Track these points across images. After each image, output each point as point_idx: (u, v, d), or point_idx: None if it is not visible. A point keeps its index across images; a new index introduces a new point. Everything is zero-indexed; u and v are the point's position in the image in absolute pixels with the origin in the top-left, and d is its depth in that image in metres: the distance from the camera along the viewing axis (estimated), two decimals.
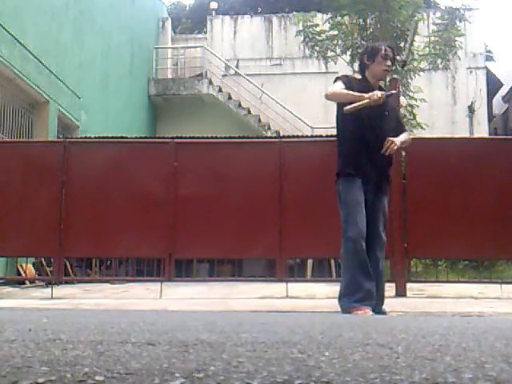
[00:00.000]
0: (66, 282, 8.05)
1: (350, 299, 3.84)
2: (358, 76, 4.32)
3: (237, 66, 16.95)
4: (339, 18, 12.47)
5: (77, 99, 11.42)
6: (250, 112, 15.92)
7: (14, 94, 9.67)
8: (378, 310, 3.95)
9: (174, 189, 6.59)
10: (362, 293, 3.84)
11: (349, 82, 4.10)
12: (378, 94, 3.92)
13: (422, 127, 12.32)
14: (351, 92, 3.97)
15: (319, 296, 6.16)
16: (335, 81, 4.15)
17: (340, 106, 4.07)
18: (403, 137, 4.16)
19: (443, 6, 16.61)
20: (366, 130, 4.02)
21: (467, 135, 15.40)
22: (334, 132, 4.32)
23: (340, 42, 12.51)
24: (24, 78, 9.39)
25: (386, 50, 4.14)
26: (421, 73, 12.79)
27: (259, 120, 15.81)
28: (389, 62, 4.15)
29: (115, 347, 1.76)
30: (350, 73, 14.55)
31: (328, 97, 4.08)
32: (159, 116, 16.79)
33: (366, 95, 3.92)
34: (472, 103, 16.63)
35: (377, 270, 4.00)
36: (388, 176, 4.20)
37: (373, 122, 4.04)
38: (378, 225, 4.06)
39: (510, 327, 2.97)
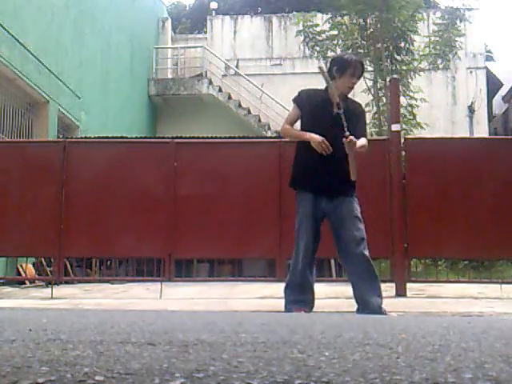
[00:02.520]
0: (66, 282, 8.05)
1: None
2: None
3: (237, 66, 16.95)
4: (339, 18, 12.48)
5: (77, 99, 11.42)
6: (249, 112, 15.92)
7: (14, 94, 9.67)
8: (376, 309, 3.95)
9: (173, 189, 6.59)
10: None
11: (300, 100, 4.16)
12: (320, 142, 3.89)
13: (421, 127, 12.33)
14: (296, 133, 4.11)
15: (319, 296, 6.13)
16: (294, 100, 4.22)
17: (303, 114, 4.13)
18: (362, 141, 4.06)
19: (443, 5, 16.64)
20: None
21: (467, 135, 15.40)
22: None
23: (340, 42, 12.51)
24: (24, 78, 9.39)
25: (355, 68, 4.09)
26: (421, 73, 12.80)
27: (259, 120, 15.81)
28: (355, 80, 4.12)
29: (115, 347, 1.76)
30: None
31: (281, 134, 4.33)
32: (159, 116, 16.79)
33: (309, 138, 3.95)
34: (472, 103, 16.64)
35: (368, 268, 4.01)
36: (347, 180, 4.03)
37: (321, 133, 3.96)
38: (349, 225, 4.01)
39: (510, 327, 2.97)
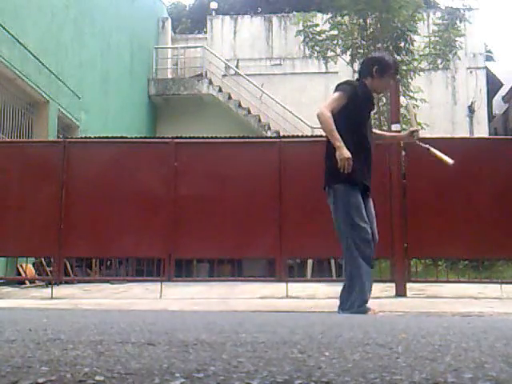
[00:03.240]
0: (66, 282, 8.05)
1: (363, 304, 3.89)
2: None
3: (237, 66, 16.95)
4: (339, 18, 12.48)
5: (77, 99, 11.42)
6: (249, 112, 15.92)
7: (14, 94, 9.67)
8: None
9: (173, 189, 6.59)
10: (367, 297, 3.93)
11: (354, 92, 3.98)
12: (347, 159, 3.81)
13: (422, 127, 12.33)
14: (334, 131, 3.84)
15: (319, 296, 6.16)
16: (339, 88, 4.01)
17: (348, 105, 3.97)
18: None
19: (443, 5, 16.64)
20: (360, 136, 3.98)
21: (467, 135, 15.40)
22: None
23: (340, 42, 12.51)
24: (24, 78, 9.39)
25: (396, 71, 4.18)
26: (421, 73, 12.81)
27: (259, 120, 15.81)
28: (392, 82, 4.19)
29: (115, 347, 1.76)
30: (349, 73, 14.68)
31: (319, 117, 3.91)
32: (159, 116, 16.79)
33: (339, 147, 3.82)
34: (472, 103, 16.63)
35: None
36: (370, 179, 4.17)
37: (363, 127, 4.04)
38: (374, 227, 4.09)
39: (510, 327, 2.97)
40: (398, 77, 10.72)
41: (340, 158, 3.82)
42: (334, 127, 3.86)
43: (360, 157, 3.96)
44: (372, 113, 4.21)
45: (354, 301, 3.89)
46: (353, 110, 3.95)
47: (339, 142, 3.84)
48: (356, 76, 4.37)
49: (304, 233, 6.40)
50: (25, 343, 1.82)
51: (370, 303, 3.99)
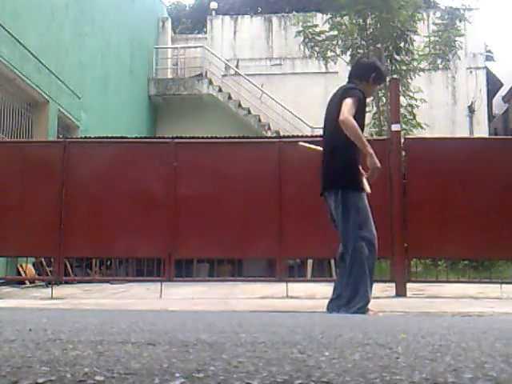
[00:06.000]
0: (66, 282, 8.05)
1: (361, 306, 3.87)
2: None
3: (237, 66, 16.95)
4: (339, 18, 12.48)
5: (77, 99, 11.42)
6: (249, 112, 15.92)
7: (14, 94, 9.67)
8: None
9: (173, 189, 6.59)
10: (367, 300, 3.93)
11: (362, 98, 4.05)
12: (378, 168, 3.93)
13: (422, 127, 12.33)
14: (364, 139, 3.92)
15: (319, 296, 6.15)
16: (352, 94, 3.98)
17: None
18: None
19: (443, 5, 16.63)
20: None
21: (467, 135, 15.40)
22: None
23: (340, 42, 12.52)
24: (24, 78, 9.39)
25: (384, 82, 4.34)
26: (421, 73, 12.81)
27: (259, 120, 15.81)
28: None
29: (115, 347, 1.76)
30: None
31: (346, 123, 3.85)
32: (159, 116, 16.80)
33: (372, 155, 3.89)
34: (472, 103, 16.63)
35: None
36: None
37: (362, 132, 4.13)
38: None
39: (510, 327, 2.97)
40: (398, 76, 10.75)
41: (373, 166, 3.91)
42: (361, 133, 3.96)
43: (358, 162, 4.08)
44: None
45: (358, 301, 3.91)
46: (359, 116, 4.03)
47: (371, 149, 3.92)
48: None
49: (304, 233, 6.40)
50: (25, 343, 1.82)
51: (370, 303, 3.99)
